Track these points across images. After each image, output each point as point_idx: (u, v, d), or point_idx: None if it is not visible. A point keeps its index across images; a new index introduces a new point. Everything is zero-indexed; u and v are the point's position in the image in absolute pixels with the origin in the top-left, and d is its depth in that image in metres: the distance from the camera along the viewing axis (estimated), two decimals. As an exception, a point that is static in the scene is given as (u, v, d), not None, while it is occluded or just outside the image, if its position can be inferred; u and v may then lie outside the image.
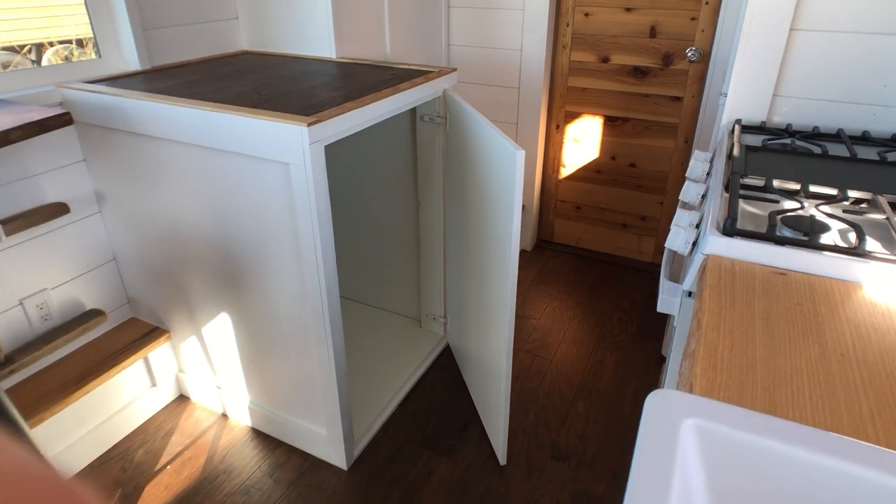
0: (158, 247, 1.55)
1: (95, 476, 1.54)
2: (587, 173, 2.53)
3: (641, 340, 2.09)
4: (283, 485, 1.52)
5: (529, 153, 2.49)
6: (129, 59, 1.59)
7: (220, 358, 1.65)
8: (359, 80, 1.51)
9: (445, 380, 1.89)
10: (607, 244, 2.64)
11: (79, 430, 1.55)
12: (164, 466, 1.57)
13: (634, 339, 2.10)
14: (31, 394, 1.44)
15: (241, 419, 1.72)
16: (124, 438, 1.65)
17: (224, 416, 1.75)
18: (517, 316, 2.23)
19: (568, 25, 2.30)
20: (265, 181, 1.25)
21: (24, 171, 1.39)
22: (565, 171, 2.58)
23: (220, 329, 1.59)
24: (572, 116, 2.45)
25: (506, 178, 1.24)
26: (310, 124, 1.13)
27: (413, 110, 1.73)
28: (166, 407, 1.77)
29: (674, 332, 1.06)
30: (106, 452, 1.61)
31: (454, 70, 1.65)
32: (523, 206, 2.61)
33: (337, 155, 1.96)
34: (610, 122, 2.39)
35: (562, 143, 2.53)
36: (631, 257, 2.61)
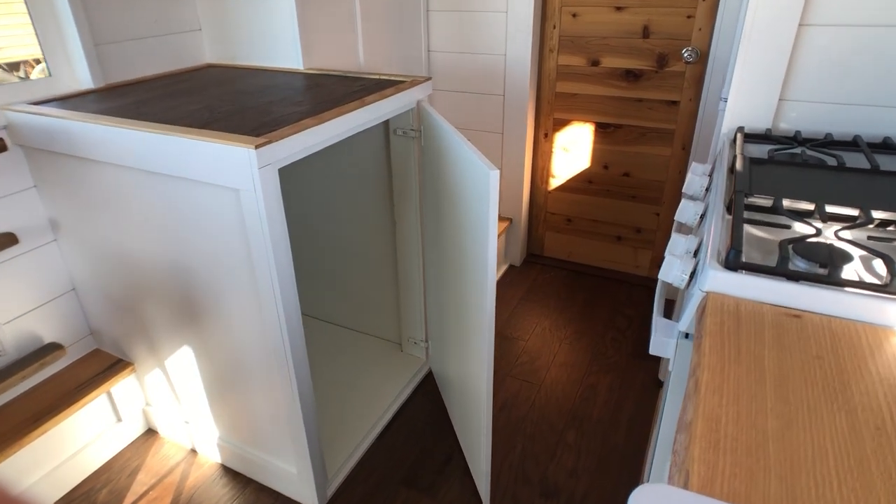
0: (115, 276, 1.43)
1: (47, 527, 1.42)
2: (578, 184, 2.42)
3: (637, 361, 1.97)
4: (251, 533, 1.40)
5: (516, 163, 2.37)
6: (82, 77, 1.48)
7: (186, 392, 1.54)
8: (324, 93, 1.39)
9: (427, 408, 1.77)
10: (600, 257, 2.52)
11: (38, 471, 1.43)
12: (125, 512, 1.45)
13: (630, 361, 1.98)
14: (-26, 440, 1.32)
15: (211, 455, 1.60)
16: (88, 478, 1.53)
17: (193, 451, 1.63)
18: (504, 338, 2.11)
19: (555, 27, 2.19)
20: (215, 209, 1.14)
21: (-38, 199, 1.28)
22: (555, 182, 2.46)
23: (184, 362, 1.47)
24: (561, 124, 2.34)
25: (480, 199, 1.12)
26: (258, 146, 1.01)
27: (386, 123, 1.61)
28: (133, 443, 1.65)
29: (668, 381, 0.94)
30: (68, 493, 1.49)
31: (428, 79, 1.54)
32: (510, 220, 2.50)
33: (307, 170, 1.84)
34: (602, 129, 2.28)
35: (551, 152, 2.41)
36: (626, 271, 2.50)
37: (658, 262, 2.42)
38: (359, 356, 1.95)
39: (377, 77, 1.57)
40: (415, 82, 1.50)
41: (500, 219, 2.50)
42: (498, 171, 1.06)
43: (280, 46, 1.67)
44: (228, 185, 1.08)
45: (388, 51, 2.07)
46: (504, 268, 2.57)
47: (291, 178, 1.89)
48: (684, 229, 1.47)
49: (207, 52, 1.80)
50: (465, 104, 2.37)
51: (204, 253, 1.21)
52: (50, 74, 1.44)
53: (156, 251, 1.30)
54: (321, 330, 2.09)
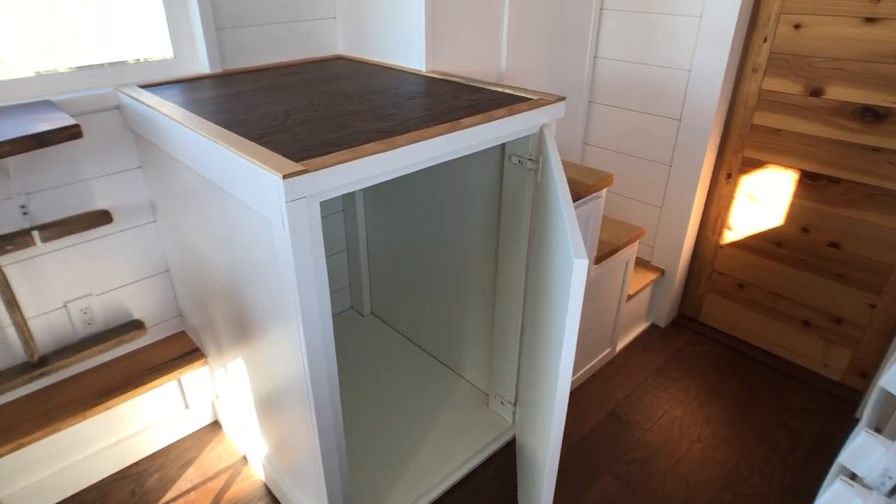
0: (192, 269, 1.39)
1: (105, 493, 1.46)
2: (762, 244, 1.87)
3: (792, 503, 1.45)
4: (263, 576, 1.28)
5: (682, 203, 1.91)
6: (203, 61, 1.45)
7: (242, 399, 1.47)
8: (426, 106, 1.16)
9: (496, 486, 1.49)
10: (775, 342, 1.94)
11: (98, 443, 1.48)
12: (165, 506, 1.43)
13: (781, 499, 1.46)
14: (56, 399, 1.39)
15: (257, 470, 1.53)
16: (145, 458, 1.56)
17: (244, 459, 1.57)
18: (617, 419, 1.72)
19: (765, 41, 1.67)
20: (253, 231, 0.98)
21: (75, 175, 1.32)
22: (730, 236, 1.94)
23: (240, 370, 1.39)
24: (753, 165, 1.81)
25: (561, 285, 0.80)
26: (287, 175, 0.82)
27: (503, 146, 1.33)
28: (197, 432, 1.65)
29: None
30: (122, 470, 1.53)
31: (560, 100, 1.22)
32: (661, 271, 2.04)
33: (419, 177, 1.64)
34: (810, 180, 1.71)
35: (731, 197, 1.89)
36: (808, 367, 1.89)
37: (860, 367, 1.78)
38: (439, 397, 1.73)
39: (501, 90, 1.30)
40: (542, 102, 1.19)
41: (649, 267, 2.06)
42: (586, 262, 0.73)
43: (405, 43, 1.48)
44: (260, 212, 0.92)
45: (539, 55, 1.76)
46: (643, 326, 2.13)
47: (403, 179, 1.71)
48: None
49: (340, 43, 1.68)
50: (628, 124, 1.97)
51: (247, 272, 1.08)
52: (174, 56, 1.43)
53: (216, 256, 1.21)
54: (410, 355, 1.91)
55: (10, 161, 1.22)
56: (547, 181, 1.13)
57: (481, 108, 1.15)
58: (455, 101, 1.22)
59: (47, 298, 1.36)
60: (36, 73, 1.25)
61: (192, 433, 1.64)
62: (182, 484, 1.49)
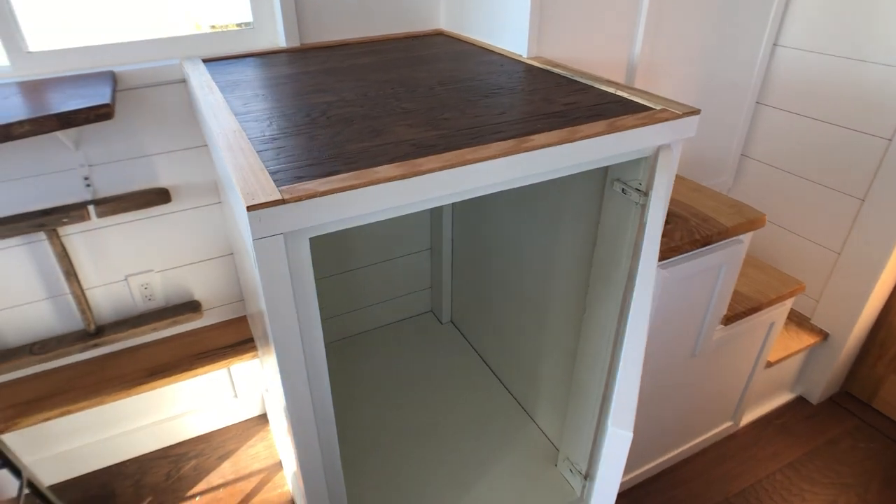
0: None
1: (145, 469, 1.46)
2: None
3: None
4: None
5: (872, 252, 1.40)
6: (281, 33, 1.30)
7: (275, 402, 1.36)
8: (500, 109, 0.89)
9: (543, 576, 1.22)
10: None
11: (142, 420, 1.48)
12: (195, 497, 1.39)
13: None
14: (108, 370, 1.39)
15: (288, 480, 1.43)
16: (189, 440, 1.54)
17: (280, 465, 1.48)
18: (725, 521, 1.33)
19: None
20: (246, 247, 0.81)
21: (138, 150, 1.26)
22: (941, 309, 1.39)
23: (269, 370, 1.27)
24: None
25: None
26: (251, 207, 0.61)
27: (606, 169, 1.01)
28: (244, 422, 1.59)
29: None
30: (163, 449, 1.52)
31: (691, 114, 0.86)
32: (824, 334, 1.55)
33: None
34: None
35: (954, 257, 1.34)
36: None
37: None
38: (501, 438, 1.48)
39: (613, 91, 0.97)
40: (662, 115, 0.85)
41: (807, 327, 1.58)
42: (630, 436, 0.43)
43: (505, 21, 1.19)
44: (242, 236, 0.73)
45: (691, 39, 1.35)
46: (785, 398, 1.66)
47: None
48: None
49: (443, 16, 1.43)
50: (810, 137, 1.48)
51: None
52: (252, 27, 1.29)
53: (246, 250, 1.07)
54: (480, 378, 1.67)
55: (74, 132, 1.18)
56: (660, 210, 0.80)
57: (571, 119, 0.85)
58: (544, 103, 0.92)
59: (109, 271, 1.35)
60: (102, 42, 1.19)
61: (239, 423, 1.59)
62: (214, 478, 1.43)
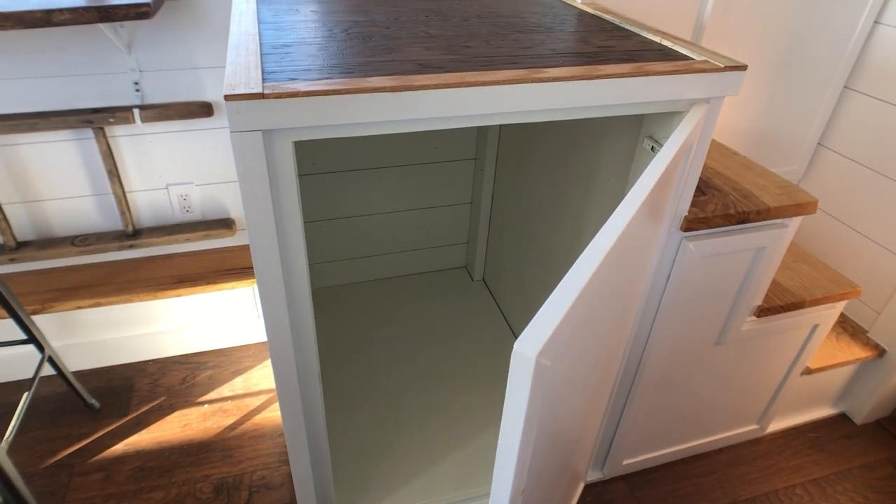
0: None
1: (164, 371, 1.55)
2: None
3: None
4: (244, 516, 1.23)
5: (950, 270, 1.23)
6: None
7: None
8: (527, 44, 0.83)
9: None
10: None
11: (167, 323, 1.56)
12: (204, 404, 1.46)
13: None
14: (140, 272, 1.46)
15: (295, 405, 1.47)
16: (207, 352, 1.61)
17: (289, 388, 1.52)
18: (725, 524, 1.25)
19: None
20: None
21: (188, 62, 1.29)
22: None
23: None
24: None
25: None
26: (229, 97, 0.60)
27: (640, 123, 0.93)
28: (263, 343, 1.65)
29: None
30: (182, 356, 1.60)
31: (735, 68, 0.77)
32: (884, 352, 1.39)
33: (549, 138, 1.30)
34: None
35: None
36: None
37: None
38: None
39: (658, 39, 0.88)
40: (702, 66, 0.77)
41: (861, 339, 1.43)
42: (532, 361, 0.39)
43: (561, -42, 1.10)
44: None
45: (774, 4, 1.21)
46: (824, 412, 1.52)
47: (538, 138, 1.38)
48: None
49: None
50: (899, 130, 1.30)
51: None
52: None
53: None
54: (501, 344, 1.64)
55: (126, 34, 1.22)
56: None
57: (600, 59, 0.78)
58: (578, 44, 0.85)
59: (151, 177, 1.41)
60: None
61: (259, 343, 1.65)
62: (225, 390, 1.50)
